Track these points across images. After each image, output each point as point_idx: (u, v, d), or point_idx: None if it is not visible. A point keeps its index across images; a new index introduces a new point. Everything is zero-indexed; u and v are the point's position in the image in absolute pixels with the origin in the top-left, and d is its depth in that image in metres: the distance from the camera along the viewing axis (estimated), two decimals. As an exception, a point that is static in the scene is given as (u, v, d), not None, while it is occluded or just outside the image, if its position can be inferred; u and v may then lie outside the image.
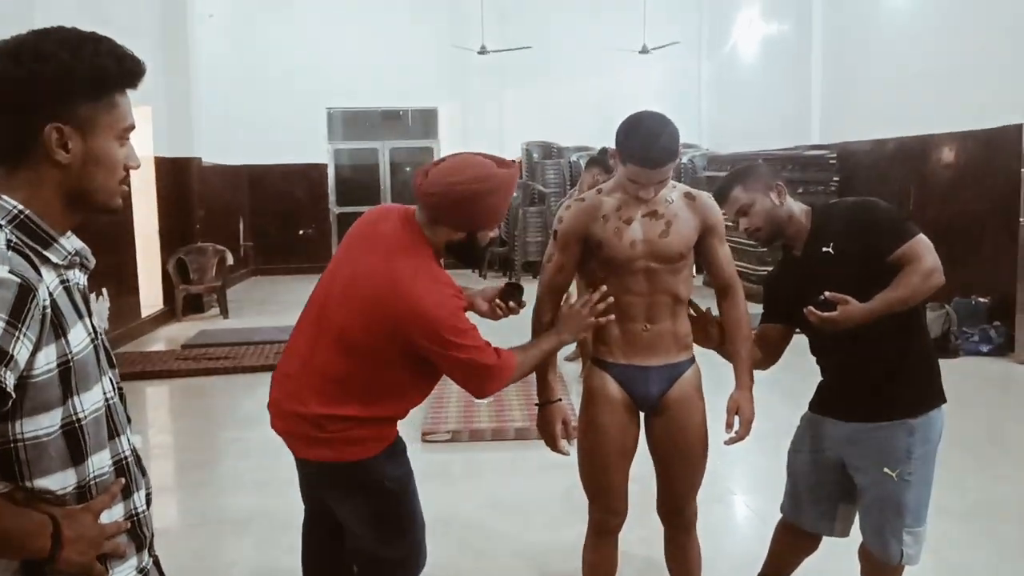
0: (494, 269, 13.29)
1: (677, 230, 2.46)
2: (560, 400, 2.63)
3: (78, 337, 1.33)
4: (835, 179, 10.24)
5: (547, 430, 2.62)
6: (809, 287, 2.48)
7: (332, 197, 14.86)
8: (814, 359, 2.73)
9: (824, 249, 2.55)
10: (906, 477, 2.51)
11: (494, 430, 5.20)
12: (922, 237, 2.46)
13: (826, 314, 2.39)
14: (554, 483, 4.16)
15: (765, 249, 6.76)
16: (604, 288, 2.45)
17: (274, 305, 11.10)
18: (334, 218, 14.84)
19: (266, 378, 2.43)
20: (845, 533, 2.77)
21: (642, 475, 2.71)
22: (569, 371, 6.48)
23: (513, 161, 2.46)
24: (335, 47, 13.94)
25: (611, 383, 2.54)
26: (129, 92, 1.40)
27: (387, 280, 2.17)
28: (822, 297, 2.42)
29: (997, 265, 7.48)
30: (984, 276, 7.69)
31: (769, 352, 2.72)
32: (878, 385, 2.55)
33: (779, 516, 2.90)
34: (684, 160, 12.73)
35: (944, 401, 2.61)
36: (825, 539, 2.83)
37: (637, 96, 9.27)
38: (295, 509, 2.50)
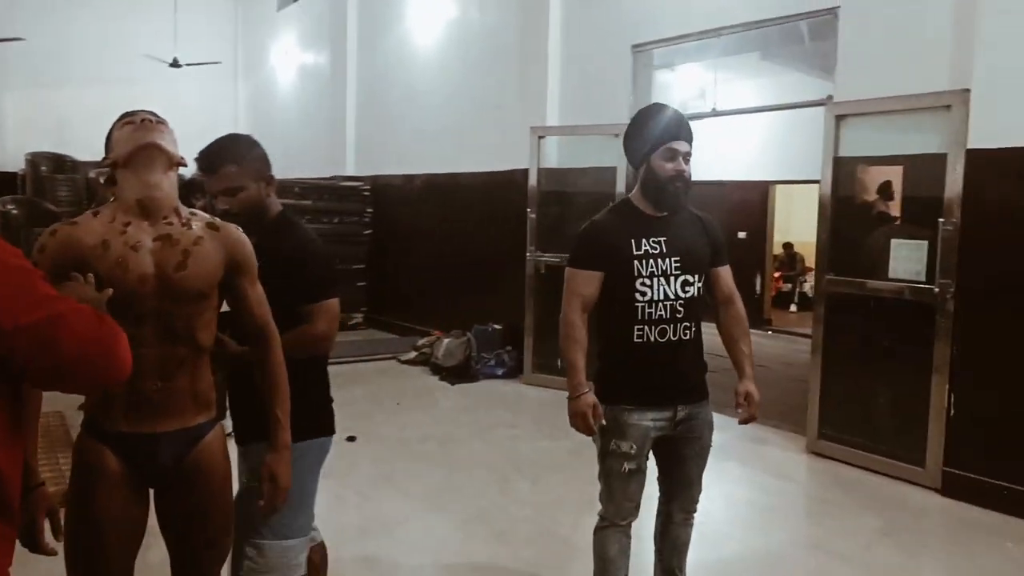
0: None
1: (196, 262, 2.05)
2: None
3: None
4: (369, 209, 10.64)
5: None
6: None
7: None
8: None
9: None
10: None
11: None
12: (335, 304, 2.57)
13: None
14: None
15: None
16: None
17: None
18: None
19: None
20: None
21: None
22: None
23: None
24: None
25: (109, 457, 2.05)
26: None
27: None
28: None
29: (510, 294, 8.18)
30: (500, 304, 8.38)
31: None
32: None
33: None
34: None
35: None
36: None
37: (167, 110, 8.52)
38: None
